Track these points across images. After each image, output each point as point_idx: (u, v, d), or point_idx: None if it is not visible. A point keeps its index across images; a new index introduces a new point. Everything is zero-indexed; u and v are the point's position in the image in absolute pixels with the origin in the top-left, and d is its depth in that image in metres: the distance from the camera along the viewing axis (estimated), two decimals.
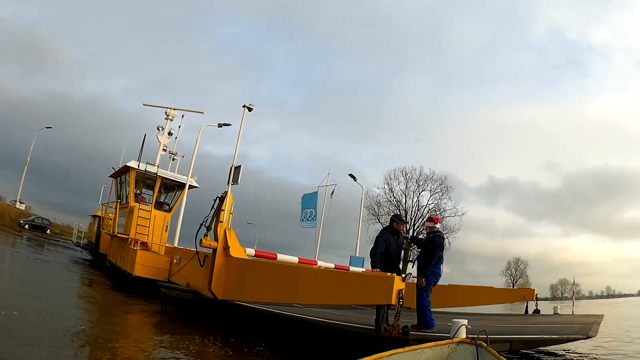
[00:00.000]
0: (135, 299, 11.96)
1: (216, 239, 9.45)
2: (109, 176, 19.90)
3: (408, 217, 44.10)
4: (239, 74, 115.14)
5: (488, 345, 4.10)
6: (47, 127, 45.45)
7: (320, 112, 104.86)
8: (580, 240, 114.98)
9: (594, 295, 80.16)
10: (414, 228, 42.88)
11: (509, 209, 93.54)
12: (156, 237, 15.01)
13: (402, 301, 5.97)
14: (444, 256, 7.56)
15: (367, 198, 38.61)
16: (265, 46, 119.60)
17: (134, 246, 13.55)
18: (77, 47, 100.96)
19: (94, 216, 24.72)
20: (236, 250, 9.51)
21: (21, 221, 37.31)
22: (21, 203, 46.01)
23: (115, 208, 16.55)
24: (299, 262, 11.19)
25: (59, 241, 35.34)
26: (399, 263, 7.80)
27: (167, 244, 15.24)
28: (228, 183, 9.91)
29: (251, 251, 10.27)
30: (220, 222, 9.50)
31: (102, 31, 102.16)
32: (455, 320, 5.53)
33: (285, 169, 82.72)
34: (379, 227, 41.64)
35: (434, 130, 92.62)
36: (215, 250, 9.44)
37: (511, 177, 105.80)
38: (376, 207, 45.70)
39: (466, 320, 5.46)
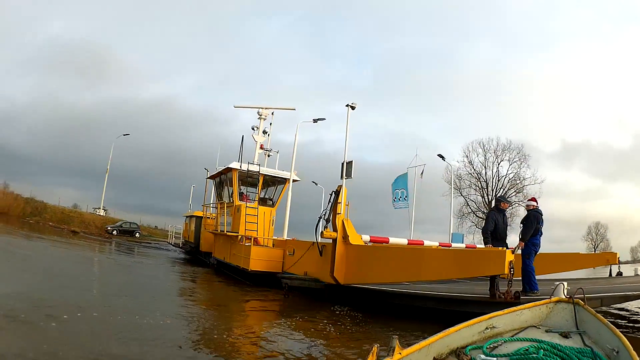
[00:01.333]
0: (251, 291, 12.97)
1: (335, 230, 10.88)
2: (207, 178, 21.97)
3: (489, 189, 45.29)
4: (302, 61, 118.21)
5: (585, 302, 4.24)
6: (124, 135, 49.66)
7: (388, 89, 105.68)
8: None
9: None
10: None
11: (585, 171, 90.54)
12: (265, 231, 16.48)
13: (512, 270, 7.41)
14: (542, 230, 9.06)
15: (447, 172, 39.68)
16: (323, 29, 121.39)
17: (245, 243, 15.06)
18: (135, 52, 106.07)
19: (190, 216, 27.10)
20: (354, 238, 10.93)
21: (109, 227, 39.42)
22: (104, 210, 49.96)
23: (220, 207, 18.47)
24: (407, 243, 12.61)
25: (150, 243, 37.82)
26: (506, 238, 9.30)
27: (274, 237, 16.74)
28: (341, 177, 11.28)
29: (366, 237, 11.47)
30: (338, 213, 10.95)
31: (158, 34, 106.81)
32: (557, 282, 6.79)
33: (361, 149, 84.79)
34: (462, 201, 45.82)
35: (501, 95, 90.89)
36: (335, 240, 10.87)
37: (584, 139, 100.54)
38: (458, 180, 46.48)
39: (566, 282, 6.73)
